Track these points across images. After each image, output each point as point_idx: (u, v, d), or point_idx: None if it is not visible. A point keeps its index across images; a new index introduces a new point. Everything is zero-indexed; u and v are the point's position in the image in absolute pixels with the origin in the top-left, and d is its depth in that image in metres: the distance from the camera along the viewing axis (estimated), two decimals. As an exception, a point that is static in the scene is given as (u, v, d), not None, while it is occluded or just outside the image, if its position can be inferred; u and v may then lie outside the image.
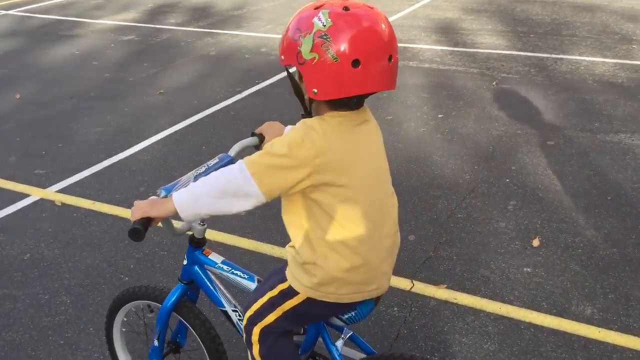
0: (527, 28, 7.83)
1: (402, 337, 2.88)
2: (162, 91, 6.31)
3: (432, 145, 4.79)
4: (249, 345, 1.92)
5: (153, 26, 9.14)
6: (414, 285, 3.22)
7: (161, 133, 5.24)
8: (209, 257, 2.14)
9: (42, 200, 4.26)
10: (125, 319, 2.47)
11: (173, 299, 2.20)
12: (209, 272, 2.15)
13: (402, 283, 3.24)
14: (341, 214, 1.69)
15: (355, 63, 1.59)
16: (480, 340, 2.84)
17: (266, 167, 1.63)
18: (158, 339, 2.29)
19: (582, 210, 3.80)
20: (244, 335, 1.94)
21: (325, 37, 1.58)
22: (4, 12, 10.68)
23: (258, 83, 6.36)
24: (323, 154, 1.63)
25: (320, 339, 2.03)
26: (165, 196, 1.81)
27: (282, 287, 1.82)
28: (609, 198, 3.91)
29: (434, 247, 3.53)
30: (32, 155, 4.98)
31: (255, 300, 1.87)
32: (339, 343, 1.94)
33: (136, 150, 4.94)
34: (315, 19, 1.60)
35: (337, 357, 1.93)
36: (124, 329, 2.52)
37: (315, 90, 1.63)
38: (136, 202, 1.78)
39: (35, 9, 10.83)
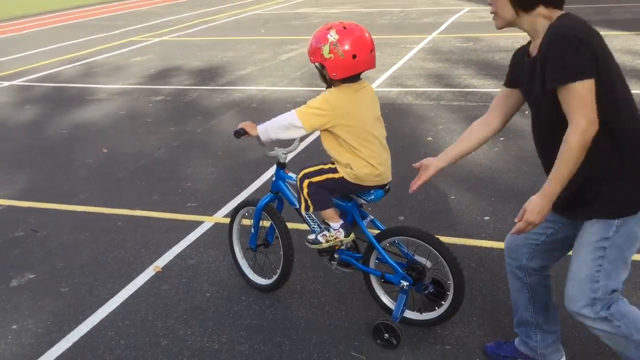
0: (518, 71, 9.13)
1: None
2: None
3: (517, 160, 5.77)
4: (301, 189, 3.22)
5: (174, 87, 9.73)
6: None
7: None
8: (288, 174, 3.49)
9: (218, 224, 4.82)
10: (241, 221, 3.86)
11: (263, 202, 3.60)
12: (288, 184, 3.53)
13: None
14: (351, 139, 3.05)
15: (354, 56, 2.93)
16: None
17: (307, 114, 3.00)
18: (253, 228, 3.70)
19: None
20: (297, 183, 3.25)
21: (335, 44, 2.91)
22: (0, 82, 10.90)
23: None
24: (337, 108, 2.99)
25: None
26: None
27: (331, 166, 3.20)
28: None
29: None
30: (171, 193, 5.50)
31: (312, 166, 3.24)
32: (365, 221, 3.35)
33: (266, 178, 5.59)
34: (329, 35, 2.93)
35: (364, 228, 3.31)
36: (239, 227, 3.89)
37: (335, 74, 2.97)
38: (243, 123, 3.26)
39: (31, 79, 11.11)
